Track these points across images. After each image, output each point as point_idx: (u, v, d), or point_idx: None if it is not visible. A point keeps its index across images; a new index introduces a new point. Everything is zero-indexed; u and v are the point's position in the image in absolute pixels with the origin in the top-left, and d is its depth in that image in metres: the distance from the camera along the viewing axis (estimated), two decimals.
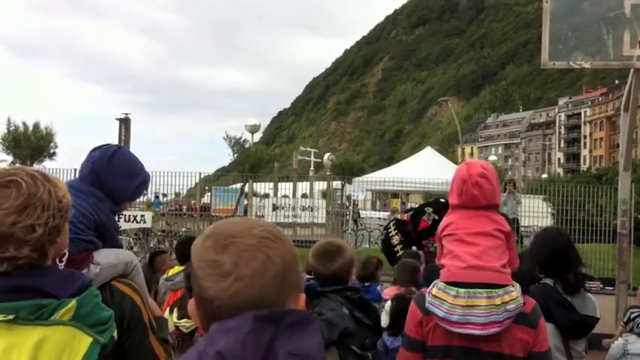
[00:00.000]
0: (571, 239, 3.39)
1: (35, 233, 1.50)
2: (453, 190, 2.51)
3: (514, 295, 2.26)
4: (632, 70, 6.71)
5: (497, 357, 2.25)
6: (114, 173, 2.29)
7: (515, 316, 2.24)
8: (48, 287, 1.51)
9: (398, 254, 6.67)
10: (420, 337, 2.37)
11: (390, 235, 6.99)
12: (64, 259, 1.94)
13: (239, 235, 1.09)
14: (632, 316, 2.76)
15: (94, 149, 2.35)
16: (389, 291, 4.72)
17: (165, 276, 4.76)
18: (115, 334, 1.63)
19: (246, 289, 1.04)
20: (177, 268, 5.00)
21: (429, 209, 6.70)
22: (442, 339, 2.30)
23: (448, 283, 2.28)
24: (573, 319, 3.01)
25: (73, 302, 1.51)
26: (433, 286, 2.34)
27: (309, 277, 4.72)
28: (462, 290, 2.23)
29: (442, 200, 6.60)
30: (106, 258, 2.21)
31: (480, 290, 2.22)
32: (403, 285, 4.76)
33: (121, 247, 2.45)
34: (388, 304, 3.44)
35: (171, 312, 3.70)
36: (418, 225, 6.58)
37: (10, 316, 1.44)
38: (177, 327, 3.60)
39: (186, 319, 3.62)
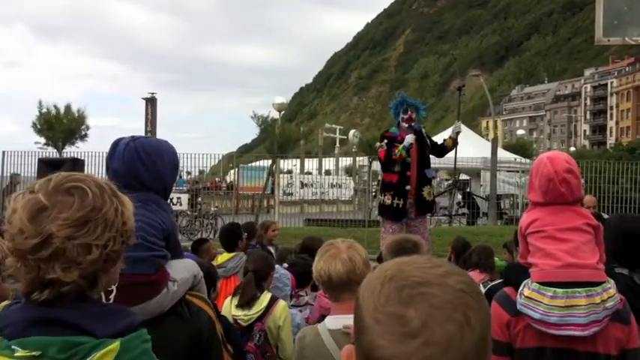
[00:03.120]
0: None
1: (90, 255, 1.22)
2: (533, 188, 2.38)
3: (611, 292, 2.17)
4: None
5: (593, 357, 2.16)
6: (153, 167, 2.06)
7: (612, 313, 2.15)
8: (85, 322, 1.21)
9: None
10: (506, 339, 2.26)
11: None
12: (112, 296, 1.59)
13: (430, 285, 0.85)
14: None
15: (110, 155, 2.06)
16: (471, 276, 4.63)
17: (215, 263, 4.71)
18: None
19: (437, 358, 0.80)
20: (227, 255, 4.94)
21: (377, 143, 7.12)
22: (534, 341, 2.20)
23: (543, 284, 2.18)
24: None
25: (115, 344, 1.19)
26: (524, 286, 2.23)
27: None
28: (559, 290, 2.13)
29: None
30: (180, 273, 2.06)
31: (579, 289, 2.12)
32: (485, 271, 4.70)
33: (183, 253, 2.30)
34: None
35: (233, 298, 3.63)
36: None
37: (35, 353, 1.16)
38: (235, 320, 3.53)
39: (244, 312, 3.54)
